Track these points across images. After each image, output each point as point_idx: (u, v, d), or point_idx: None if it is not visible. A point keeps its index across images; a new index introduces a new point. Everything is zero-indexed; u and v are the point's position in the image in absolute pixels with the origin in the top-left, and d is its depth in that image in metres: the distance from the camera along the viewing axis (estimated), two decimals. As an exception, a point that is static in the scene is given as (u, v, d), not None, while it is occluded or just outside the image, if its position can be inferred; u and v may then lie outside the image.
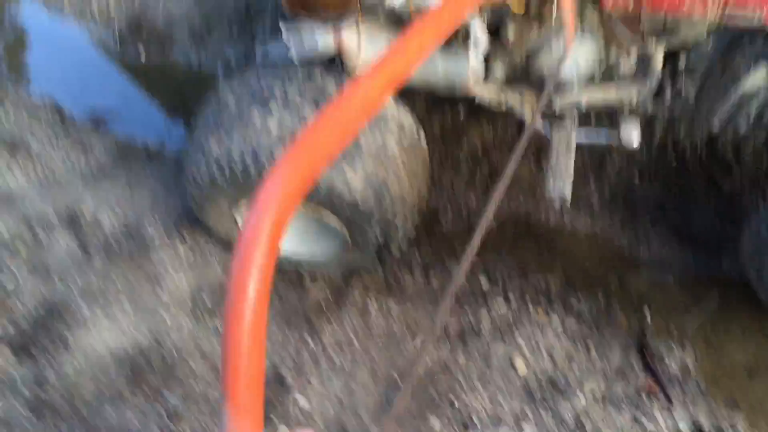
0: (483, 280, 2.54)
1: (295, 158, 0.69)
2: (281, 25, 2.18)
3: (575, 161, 2.76)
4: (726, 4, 1.88)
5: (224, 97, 2.21)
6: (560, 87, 2.23)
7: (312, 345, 2.38)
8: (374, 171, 2.13)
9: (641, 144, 2.79)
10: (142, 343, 2.34)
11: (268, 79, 2.17)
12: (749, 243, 2.12)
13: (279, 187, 0.65)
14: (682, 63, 2.40)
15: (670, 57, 2.36)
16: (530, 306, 2.45)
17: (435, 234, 2.71)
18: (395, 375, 2.28)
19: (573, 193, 2.68)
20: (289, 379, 2.27)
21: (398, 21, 2.15)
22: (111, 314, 2.40)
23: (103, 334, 2.35)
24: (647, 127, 2.80)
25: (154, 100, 3.46)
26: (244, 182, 2.12)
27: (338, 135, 0.76)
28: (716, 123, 2.24)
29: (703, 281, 2.45)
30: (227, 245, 2.55)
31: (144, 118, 3.35)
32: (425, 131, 2.80)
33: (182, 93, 3.47)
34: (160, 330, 2.38)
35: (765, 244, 2.03)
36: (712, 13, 1.91)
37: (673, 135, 2.77)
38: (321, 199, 2.11)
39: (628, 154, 2.74)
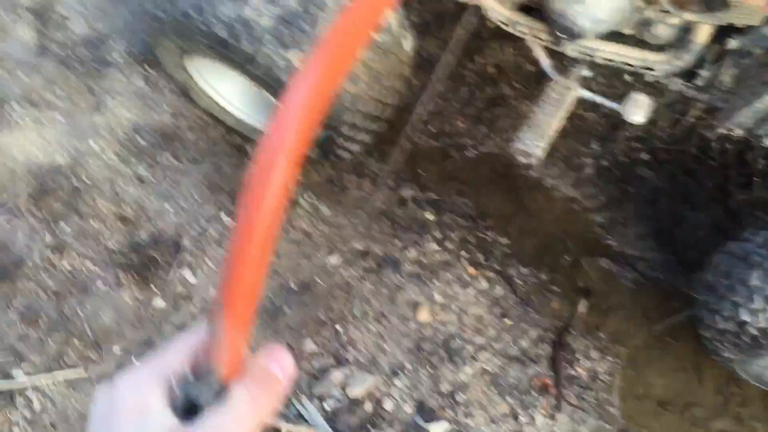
0: (429, 213, 2.31)
1: (319, 66, 0.64)
2: None
3: (582, 119, 2.42)
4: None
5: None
6: (570, 31, 1.87)
7: (224, 221, 2.24)
8: (325, 62, 1.87)
9: (666, 121, 2.41)
10: (60, 164, 2.25)
11: None
12: (704, 280, 1.81)
13: (303, 98, 0.61)
14: (732, 44, 1.98)
15: (721, 33, 1.95)
16: (464, 256, 2.23)
17: (402, 148, 2.46)
18: (292, 283, 2.14)
19: (568, 150, 2.37)
20: (186, 250, 2.17)
21: None
22: (41, 125, 2.30)
23: (25, 142, 2.26)
24: (676, 105, 2.40)
25: None
26: (182, 28, 1.90)
27: (358, 40, 0.70)
28: (740, 123, 1.86)
29: (660, 296, 2.16)
30: (184, 93, 2.37)
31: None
32: (433, 38, 2.49)
33: None
34: (83, 156, 2.27)
35: (716, 286, 1.72)
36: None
37: (700, 124, 2.36)
38: (258, 76, 1.89)
39: (647, 129, 2.36)
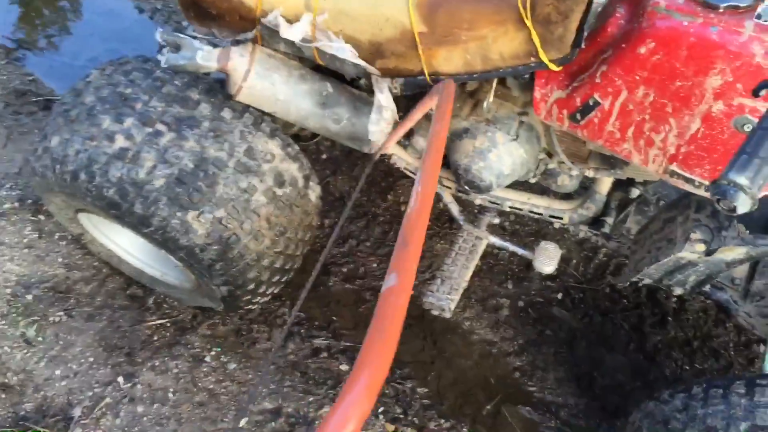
0: (344, 364, 2.20)
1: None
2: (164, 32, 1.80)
3: (496, 259, 2.40)
4: (671, 161, 1.48)
5: (85, 88, 1.86)
6: (475, 186, 1.85)
7: (121, 384, 2.06)
8: (225, 220, 1.78)
9: (578, 262, 2.41)
10: (-66, 327, 2.04)
11: (135, 83, 1.81)
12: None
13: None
14: (634, 193, 2.01)
15: (624, 185, 1.98)
16: (380, 412, 2.11)
17: (317, 295, 2.36)
18: (194, 451, 1.96)
19: (484, 291, 2.32)
20: (79, 423, 1.96)
21: (299, 57, 1.77)
22: None
23: None
24: (589, 249, 2.41)
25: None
26: (71, 189, 1.79)
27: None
28: (648, 275, 1.85)
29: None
30: (76, 241, 2.23)
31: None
32: (344, 176, 2.45)
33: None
34: (-39, 316, 2.08)
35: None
36: (655, 166, 1.52)
37: (613, 266, 2.37)
38: (151, 234, 1.78)
39: (559, 267, 2.35)
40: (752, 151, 0.85)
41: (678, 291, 1.89)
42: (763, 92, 1.03)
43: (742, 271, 1.81)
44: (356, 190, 1.92)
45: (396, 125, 1.80)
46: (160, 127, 1.75)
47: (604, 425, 2.11)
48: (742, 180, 0.83)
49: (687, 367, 2.18)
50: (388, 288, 1.02)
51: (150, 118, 1.75)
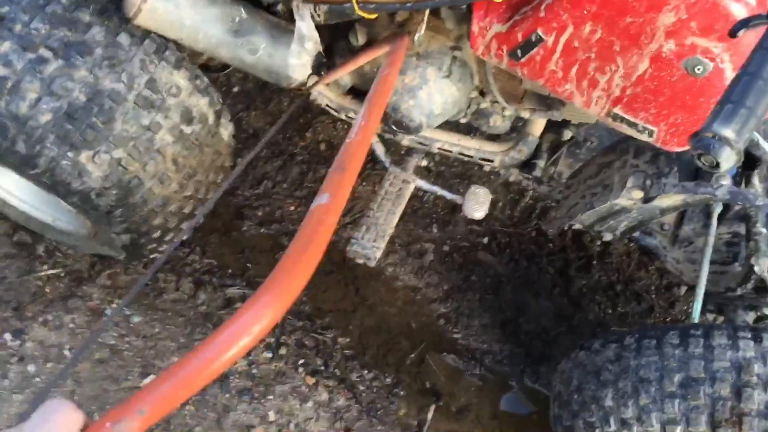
0: (260, 315, 2.06)
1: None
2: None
3: (421, 202, 2.29)
4: (615, 104, 1.39)
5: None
6: (403, 125, 1.72)
7: (9, 341, 1.86)
8: (125, 161, 1.58)
9: (504, 205, 2.33)
10: None
11: (12, 0, 1.54)
12: (555, 390, 1.71)
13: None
14: (567, 135, 1.93)
15: (556, 126, 1.89)
16: (300, 365, 2.00)
17: (230, 240, 2.20)
18: (97, 416, 1.80)
19: (408, 236, 2.22)
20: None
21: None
22: None
23: None
24: (515, 192, 2.33)
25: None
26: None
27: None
28: (581, 221, 1.79)
29: (505, 392, 2.05)
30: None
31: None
32: (259, 111, 2.26)
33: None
34: None
35: (569, 401, 1.62)
36: (597, 109, 1.43)
37: (539, 210, 2.31)
38: (38, 177, 1.55)
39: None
40: (737, 99, 0.75)
41: (608, 237, 1.84)
42: (741, 33, 0.94)
43: (670, 217, 1.78)
44: (272, 129, 1.75)
45: (319, 60, 1.63)
46: (45, 52, 1.50)
47: (528, 371, 2.08)
48: (727, 132, 0.74)
49: (610, 311, 2.18)
50: (319, 205, 1.01)
51: (32, 42, 1.50)
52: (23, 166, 1.54)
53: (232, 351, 0.76)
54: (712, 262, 1.65)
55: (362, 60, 1.66)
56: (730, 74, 1.25)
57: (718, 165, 0.74)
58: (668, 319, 2.16)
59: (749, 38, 1.02)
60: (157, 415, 0.68)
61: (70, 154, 1.52)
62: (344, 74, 1.77)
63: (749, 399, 1.36)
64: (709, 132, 0.74)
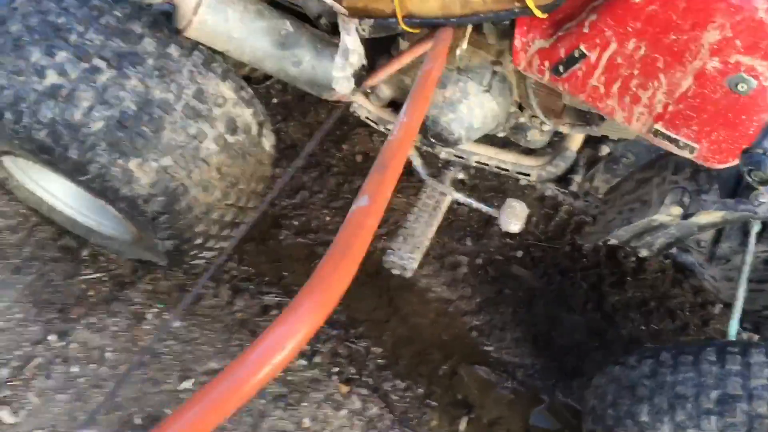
0: (295, 323, 2.09)
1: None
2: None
3: (455, 215, 2.32)
4: (657, 120, 1.41)
5: (10, 15, 1.63)
6: (443, 138, 1.74)
7: (54, 342, 1.91)
8: (172, 169, 1.63)
9: (538, 219, 2.34)
10: None
11: (69, 11, 1.60)
12: (589, 406, 1.71)
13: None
14: (604, 150, 1.94)
15: (593, 141, 1.90)
16: (334, 373, 2.02)
17: (267, 249, 2.23)
18: (137, 418, 1.84)
19: (442, 248, 2.24)
20: (6, 384, 1.81)
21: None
22: None
23: None
24: (550, 206, 2.34)
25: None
26: (3, 136, 1.59)
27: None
28: (618, 236, 1.80)
29: (535, 407, 2.05)
30: (2, 187, 2.01)
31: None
32: (297, 122, 2.30)
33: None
34: None
35: (603, 416, 1.62)
36: (639, 125, 1.44)
37: (574, 224, 2.32)
38: (88, 183, 1.60)
39: (520, 225, 2.28)
40: (789, 116, 0.77)
41: (644, 253, 1.85)
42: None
43: (707, 234, 1.77)
44: (315, 140, 1.79)
45: (362, 73, 1.67)
46: (98, 62, 1.56)
47: (560, 386, 2.09)
48: (778, 149, 0.75)
49: (643, 327, 2.17)
50: (359, 207, 0.98)
51: (86, 52, 1.56)
52: (75, 171, 1.59)
53: (274, 361, 0.74)
54: (749, 280, 1.64)
55: (407, 58, 1.65)
56: (774, 92, 1.26)
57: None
58: (703, 337, 2.15)
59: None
60: None
61: (120, 161, 1.56)
62: (388, 75, 1.77)
63: (787, 417, 1.35)
64: (760, 148, 0.76)
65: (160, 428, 0.66)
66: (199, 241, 1.81)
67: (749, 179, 0.78)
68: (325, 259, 0.90)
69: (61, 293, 1.99)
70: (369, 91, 1.89)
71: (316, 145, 2.26)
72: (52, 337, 1.91)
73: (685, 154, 1.43)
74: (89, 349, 1.91)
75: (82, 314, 1.97)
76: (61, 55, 1.54)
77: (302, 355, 2.03)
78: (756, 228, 1.61)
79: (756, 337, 1.98)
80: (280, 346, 0.75)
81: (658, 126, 1.42)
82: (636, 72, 1.36)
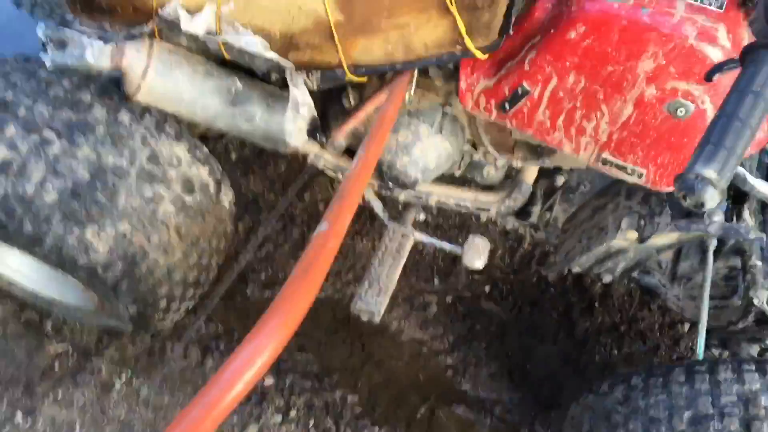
0: (268, 378, 2.06)
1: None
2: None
3: (421, 255, 2.32)
4: (603, 149, 1.44)
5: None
6: (400, 181, 1.76)
7: (20, 421, 1.85)
8: (130, 234, 1.61)
9: (503, 253, 2.37)
10: None
11: (16, 85, 1.60)
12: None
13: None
14: (560, 181, 1.98)
15: (549, 173, 1.93)
16: (311, 426, 1.99)
17: (234, 304, 2.21)
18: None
19: (410, 290, 2.24)
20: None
21: (204, 51, 1.62)
22: None
23: None
24: (514, 239, 2.37)
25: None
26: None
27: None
28: (580, 264, 1.82)
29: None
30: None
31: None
32: (257, 176, 2.31)
33: None
34: None
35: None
36: (586, 154, 1.47)
37: (538, 255, 2.34)
38: (45, 255, 1.58)
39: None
40: (717, 141, 0.79)
41: (607, 278, 1.87)
42: (716, 77, 0.99)
43: (667, 255, 1.81)
44: (283, 202, 1.80)
45: (314, 124, 1.69)
46: (48, 134, 1.55)
47: (539, 418, 2.08)
48: (709, 173, 0.78)
49: (615, 352, 2.19)
50: (320, 232, 1.06)
51: (36, 125, 1.55)
52: (31, 245, 1.57)
53: (245, 378, 0.80)
54: (711, 297, 1.67)
55: (371, 106, 1.68)
56: (711, 114, 1.30)
57: (702, 204, 0.78)
58: (674, 357, 2.17)
59: (727, 79, 1.07)
60: None
61: (76, 230, 1.55)
62: (355, 127, 1.79)
63: (759, 432, 1.36)
64: (692, 173, 0.78)
65: None
66: (163, 303, 1.79)
67: (684, 203, 0.80)
68: (289, 280, 0.97)
69: (25, 369, 1.94)
70: (324, 141, 1.91)
71: (275, 198, 2.27)
72: (18, 416, 1.85)
73: (634, 179, 1.47)
74: (57, 426, 1.86)
75: (48, 389, 1.92)
76: (10, 130, 1.53)
77: (277, 410, 2.00)
78: (712, 245, 1.65)
79: (725, 354, 2.00)
80: (250, 363, 0.80)
81: (605, 155, 1.45)
82: (578, 104, 1.40)
